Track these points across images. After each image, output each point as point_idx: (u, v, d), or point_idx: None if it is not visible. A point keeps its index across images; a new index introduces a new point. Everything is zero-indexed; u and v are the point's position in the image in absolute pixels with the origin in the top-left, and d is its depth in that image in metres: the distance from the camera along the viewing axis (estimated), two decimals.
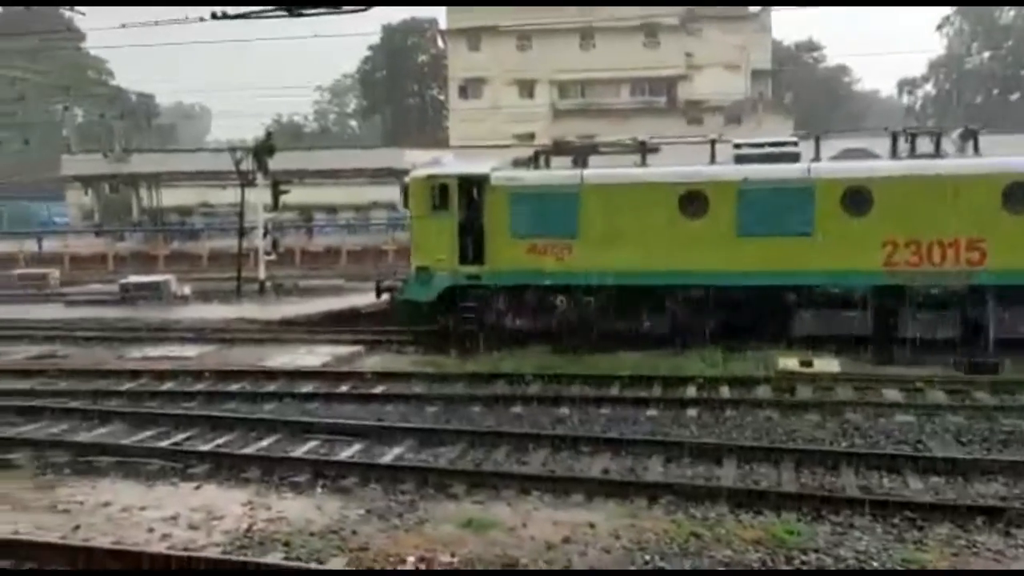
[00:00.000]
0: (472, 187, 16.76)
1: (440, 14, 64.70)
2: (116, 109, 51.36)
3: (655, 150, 17.36)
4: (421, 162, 18.35)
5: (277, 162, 27.16)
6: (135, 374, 15.10)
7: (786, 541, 7.42)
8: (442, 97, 69.83)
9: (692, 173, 15.98)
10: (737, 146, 16.52)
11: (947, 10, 74.82)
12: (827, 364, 14.03)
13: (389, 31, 70.74)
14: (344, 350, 16.64)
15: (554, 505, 8.46)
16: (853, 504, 8.17)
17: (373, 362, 15.88)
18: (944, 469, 9.23)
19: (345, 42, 64.62)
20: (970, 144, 16.07)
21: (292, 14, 15.88)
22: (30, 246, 42.60)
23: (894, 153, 15.69)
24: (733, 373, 13.93)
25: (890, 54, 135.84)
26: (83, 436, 11.29)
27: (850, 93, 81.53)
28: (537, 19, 54.26)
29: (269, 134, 29.06)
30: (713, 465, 9.60)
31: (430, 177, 17.15)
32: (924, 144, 15.81)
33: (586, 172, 16.56)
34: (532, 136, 50.48)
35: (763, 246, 15.27)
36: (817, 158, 15.79)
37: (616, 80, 58.44)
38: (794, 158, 15.84)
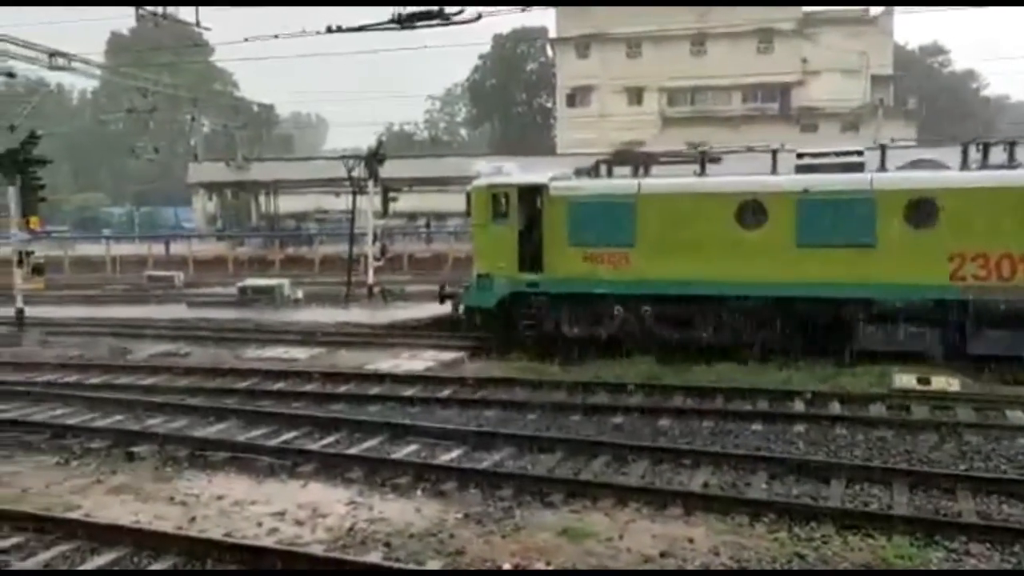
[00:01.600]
0: (531, 196, 16.99)
1: (550, 23, 65.10)
2: (239, 119, 53.68)
3: (716, 160, 17.41)
4: (485, 171, 18.54)
5: (387, 169, 27.87)
6: (250, 373, 15.75)
7: (896, 566, 7.12)
8: (550, 105, 70.07)
9: (750, 183, 15.83)
10: (800, 156, 16.24)
11: None
12: (946, 382, 13.38)
13: (499, 40, 71.55)
14: (447, 355, 16.89)
15: (652, 517, 8.35)
16: (970, 530, 7.78)
17: (475, 367, 16.04)
18: None
19: (457, 51, 65.80)
20: None
21: (404, 26, 16.31)
22: (158, 249, 45.00)
23: (964, 163, 15.22)
24: (844, 389, 13.45)
25: (1022, 58, 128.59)
26: (201, 432, 11.83)
27: (978, 98, 77.60)
28: (647, 26, 53.89)
29: (380, 142, 29.80)
30: (820, 484, 9.28)
31: (491, 186, 17.44)
32: (998, 154, 15.14)
33: (643, 182, 16.62)
34: (640, 144, 50.07)
35: (823, 257, 15.01)
36: (883, 168, 15.41)
37: (727, 87, 57.41)
38: (857, 168, 15.47)
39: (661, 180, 16.82)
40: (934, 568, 7.16)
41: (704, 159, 16.87)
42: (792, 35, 56.42)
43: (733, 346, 15.72)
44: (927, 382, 13.37)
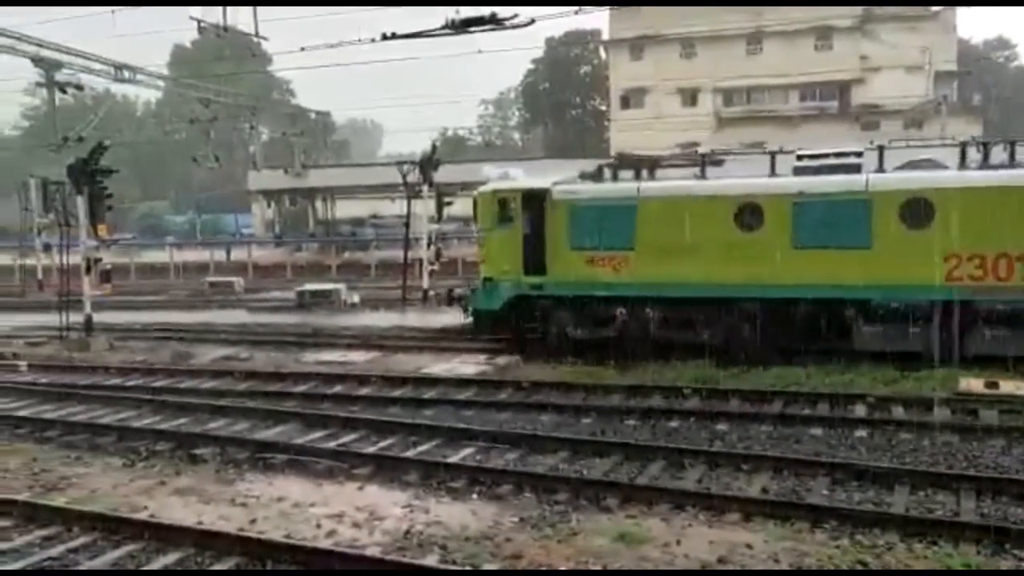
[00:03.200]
0: (535, 201, 17.17)
1: (603, 25, 64.92)
2: (297, 127, 54.61)
3: (718, 163, 17.38)
4: (492, 176, 18.74)
5: (442, 174, 28.06)
6: (308, 377, 16.00)
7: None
8: (604, 108, 69.80)
9: (747, 185, 15.89)
10: (799, 157, 16.22)
11: None
12: (1015, 386, 12.97)
13: (552, 44, 71.53)
14: (502, 359, 16.93)
15: (709, 523, 8.25)
16: None
17: (529, 371, 16.04)
18: None
19: (510, 56, 65.94)
20: None
21: (458, 32, 16.42)
22: (219, 255, 45.97)
23: (963, 163, 15.03)
24: (908, 393, 13.12)
25: None
26: (261, 434, 12.06)
27: None
28: (701, 26, 53.36)
29: (434, 147, 30.01)
30: (883, 490, 9.08)
31: (496, 192, 17.76)
32: (999, 154, 14.96)
33: (643, 185, 16.71)
34: (696, 145, 49.59)
35: (820, 259, 15.04)
36: (881, 169, 15.27)
37: (784, 86, 56.51)
38: (854, 169, 15.38)
39: (660, 183, 16.88)
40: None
41: (704, 162, 16.96)
42: (851, 32, 55.32)
43: (731, 348, 15.78)
44: (995, 386, 12.98)
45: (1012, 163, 14.85)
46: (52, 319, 22.05)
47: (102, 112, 42.92)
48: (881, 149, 15.62)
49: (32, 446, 11.88)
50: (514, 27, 16.50)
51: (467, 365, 16.52)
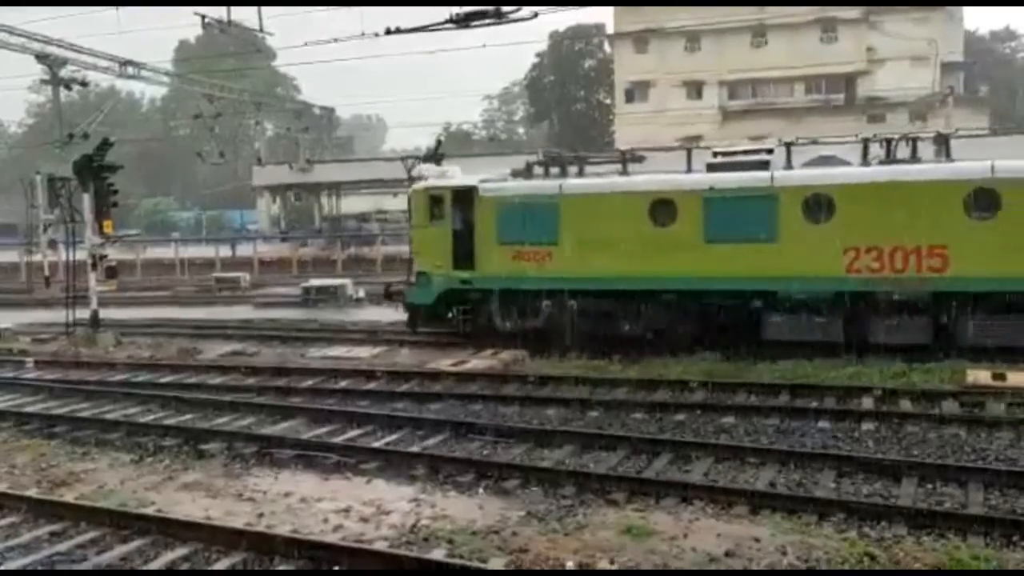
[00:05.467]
0: (464, 198, 17.73)
1: (607, 18, 64.74)
2: (301, 123, 54.62)
3: (639, 159, 18.19)
4: (428, 174, 19.31)
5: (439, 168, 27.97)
6: (314, 372, 16.01)
7: (971, 567, 6.91)
8: (608, 102, 69.65)
9: (661, 182, 16.56)
10: (715, 154, 16.95)
11: None
12: (1022, 377, 12.92)
13: (556, 38, 71.37)
14: (507, 354, 16.91)
15: (717, 516, 8.24)
16: None
17: (536, 366, 16.04)
18: None
19: (515, 50, 65.76)
20: (943, 150, 15.67)
21: (461, 26, 16.39)
22: (225, 251, 46.02)
23: (864, 160, 15.63)
24: (915, 385, 13.09)
25: None
26: (268, 429, 12.08)
27: None
28: (706, 19, 53.18)
29: (439, 142, 29.99)
30: (891, 483, 9.06)
31: (427, 189, 18.36)
32: (903, 150, 15.59)
33: (564, 182, 17.31)
34: (700, 138, 49.50)
35: (730, 252, 15.62)
36: (789, 166, 15.85)
37: (789, 78, 56.35)
38: (763, 166, 15.94)
39: (580, 181, 17.49)
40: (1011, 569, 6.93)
41: (626, 159, 17.58)
42: (856, 24, 55.08)
43: (651, 339, 16.37)
44: (1003, 378, 12.93)
45: (915, 159, 15.42)
46: (59, 315, 22.11)
47: (107, 108, 42.99)
48: (788, 147, 16.21)
49: (40, 442, 11.91)
50: (517, 21, 16.45)
51: (474, 360, 16.50)
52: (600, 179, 17.43)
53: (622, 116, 60.94)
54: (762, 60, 55.91)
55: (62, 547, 7.89)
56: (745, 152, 16.63)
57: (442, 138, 38.06)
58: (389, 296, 20.19)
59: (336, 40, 19.49)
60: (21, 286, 38.95)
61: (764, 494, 8.67)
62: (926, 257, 14.60)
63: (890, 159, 15.60)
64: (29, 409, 13.78)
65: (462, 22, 15.66)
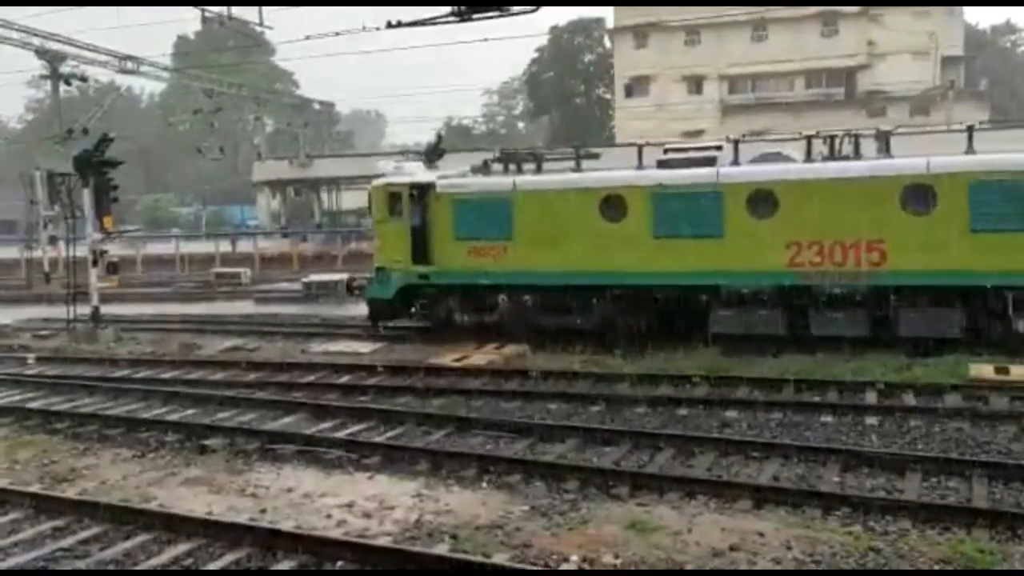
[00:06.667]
0: (422, 194, 18.00)
1: (607, 13, 64.59)
2: (301, 118, 54.51)
3: (595, 156, 18.83)
4: (387, 170, 19.67)
5: (446, 163, 27.92)
6: (316, 367, 15.99)
7: (976, 561, 6.89)
8: (608, 97, 69.53)
9: (611, 178, 16.90)
10: (665, 151, 17.31)
11: None
12: None
13: (556, 32, 71.24)
14: (510, 349, 16.88)
15: (720, 510, 8.23)
16: None
17: (539, 361, 16.02)
18: None
19: (514, 44, 65.62)
20: (883, 146, 15.78)
21: (463, 19, 16.32)
22: (225, 247, 45.95)
23: (808, 157, 15.95)
24: (918, 379, 13.06)
25: None
26: (270, 425, 12.06)
27: None
28: (706, 13, 53.05)
29: (439, 137, 29.90)
30: (895, 477, 9.05)
31: (387, 185, 18.67)
32: (846, 147, 15.91)
33: (518, 179, 17.60)
34: (701, 133, 49.42)
35: (677, 248, 15.94)
36: (736, 163, 16.13)
37: (790, 72, 56.20)
38: (710, 163, 16.25)
39: (533, 177, 17.76)
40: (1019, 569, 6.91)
41: (579, 155, 17.97)
42: (857, 17, 54.96)
43: (604, 332, 16.67)
44: (1005, 371, 12.92)
45: (857, 155, 15.65)
46: (59, 312, 22.09)
47: (107, 104, 42.91)
48: (736, 144, 16.47)
49: (42, 438, 11.89)
50: (518, 13, 16.37)
51: (476, 355, 16.46)
52: (553, 175, 17.77)
53: (622, 111, 60.82)
54: (762, 54, 55.75)
55: (65, 543, 7.87)
56: (696, 149, 17.11)
57: (442, 133, 37.98)
58: (351, 291, 20.57)
59: (337, 34, 19.41)
60: (21, 282, 38.91)
61: (768, 488, 8.65)
62: (865, 251, 14.90)
63: (832, 156, 15.90)
64: (31, 405, 13.76)
65: (464, 15, 15.59)
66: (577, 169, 17.72)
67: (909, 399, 12.22)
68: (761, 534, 7.55)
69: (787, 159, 16.22)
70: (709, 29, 56.46)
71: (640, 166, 16.97)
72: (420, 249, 17.97)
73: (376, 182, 19.24)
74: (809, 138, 16.25)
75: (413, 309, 19.15)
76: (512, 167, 18.33)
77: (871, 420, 11.25)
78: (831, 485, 8.85)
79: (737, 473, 9.39)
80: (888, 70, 54.27)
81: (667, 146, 17.76)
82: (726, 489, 8.64)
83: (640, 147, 17.18)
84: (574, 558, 7.19)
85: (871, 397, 12.38)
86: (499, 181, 17.82)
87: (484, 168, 18.61)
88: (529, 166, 18.27)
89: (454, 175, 18.60)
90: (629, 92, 60.55)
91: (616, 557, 7.19)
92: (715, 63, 56.85)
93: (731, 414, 11.80)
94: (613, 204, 16.43)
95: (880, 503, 8.15)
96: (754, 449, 9.98)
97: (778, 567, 6.96)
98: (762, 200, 15.43)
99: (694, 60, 57.62)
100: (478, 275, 17.52)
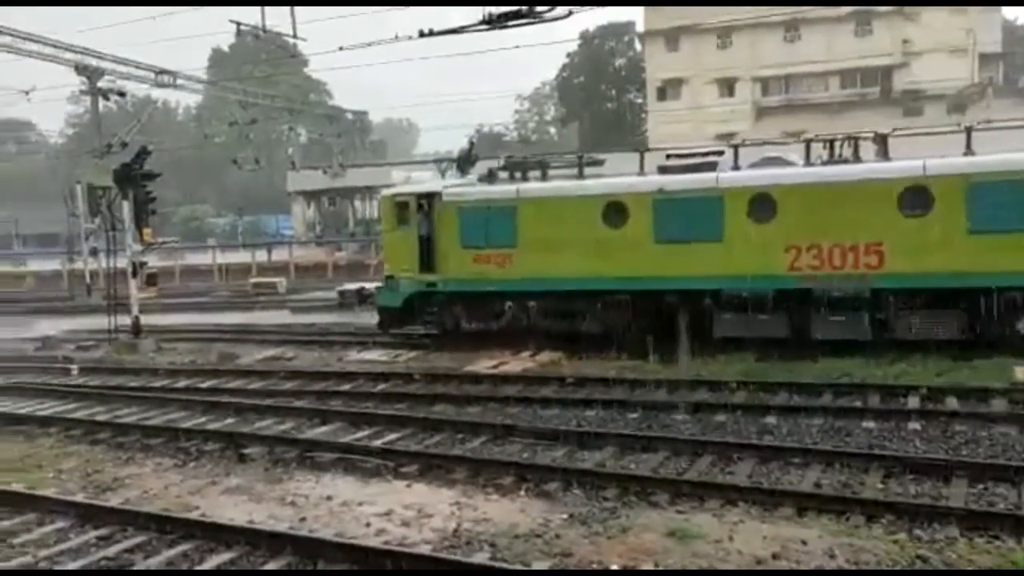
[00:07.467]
0: (429, 203, 18.26)
1: (638, 17, 64.40)
2: (334, 128, 54.96)
3: (599, 163, 19.03)
4: (398, 180, 19.57)
5: (479, 171, 27.97)
6: (352, 376, 16.08)
7: None
8: (640, 101, 69.28)
9: (613, 185, 17.12)
10: (668, 156, 17.61)
11: None
12: None
13: (587, 38, 71.17)
14: (545, 356, 16.86)
15: (762, 518, 8.12)
16: None
17: (573, 367, 15.97)
18: None
19: (545, 51, 65.63)
20: (881, 149, 15.86)
21: (495, 27, 16.36)
22: (261, 256, 46.48)
23: (807, 161, 16.08)
24: (962, 383, 12.82)
25: None
26: (308, 433, 12.13)
27: None
28: (738, 15, 52.70)
29: (471, 144, 29.99)
30: (940, 483, 8.88)
31: (395, 195, 19.15)
32: (846, 150, 15.98)
33: (521, 187, 17.89)
34: (734, 135, 49.04)
35: (678, 252, 16.11)
36: (736, 167, 16.35)
37: (824, 73, 55.62)
38: (711, 168, 16.35)
39: (537, 185, 18.00)
40: None
41: (582, 163, 18.28)
42: (891, 16, 54.24)
43: (608, 336, 16.82)
44: None
45: (857, 159, 15.74)
46: (101, 322, 22.44)
47: (144, 118, 43.58)
48: (736, 148, 16.85)
49: (85, 448, 12.10)
50: (550, 20, 16.37)
51: (512, 362, 16.47)
52: (554, 183, 17.96)
53: (654, 114, 60.58)
54: (796, 55, 55.24)
55: (110, 551, 7.97)
56: (698, 155, 17.12)
57: (474, 140, 38.08)
58: (362, 300, 20.67)
59: (369, 44, 19.57)
60: (64, 294, 39.64)
61: (810, 495, 8.52)
62: (863, 254, 14.93)
63: (832, 159, 15.95)
64: (74, 415, 14.00)
65: (496, 23, 15.63)
66: (579, 176, 17.95)
67: (953, 403, 12.00)
68: (804, 542, 7.44)
69: (787, 163, 16.30)
70: (741, 31, 56.09)
71: (641, 172, 17.25)
72: (428, 257, 18.25)
73: (384, 192, 19.71)
74: (808, 142, 16.42)
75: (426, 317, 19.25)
76: (518, 175, 18.56)
77: (914, 425, 11.06)
78: (874, 492, 8.71)
79: (778, 480, 9.27)
80: (924, 68, 53.47)
81: (668, 152, 17.99)
82: (767, 496, 8.53)
83: (642, 152, 17.45)
84: (614, 567, 7.14)
85: (914, 401, 12.17)
86: (503, 189, 18.04)
87: (490, 177, 18.87)
88: (535, 174, 18.47)
89: (459, 184, 18.92)
90: (661, 95, 60.31)
91: (657, 566, 7.13)
92: (748, 65, 56.45)
93: (770, 420, 11.67)
94: (615, 210, 16.62)
95: (926, 510, 7.98)
96: (795, 455, 9.85)
97: None
98: (761, 204, 15.53)
99: (726, 62, 57.26)
100: (484, 282, 17.75)
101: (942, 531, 7.60)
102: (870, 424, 11.21)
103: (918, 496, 8.57)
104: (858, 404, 12.16)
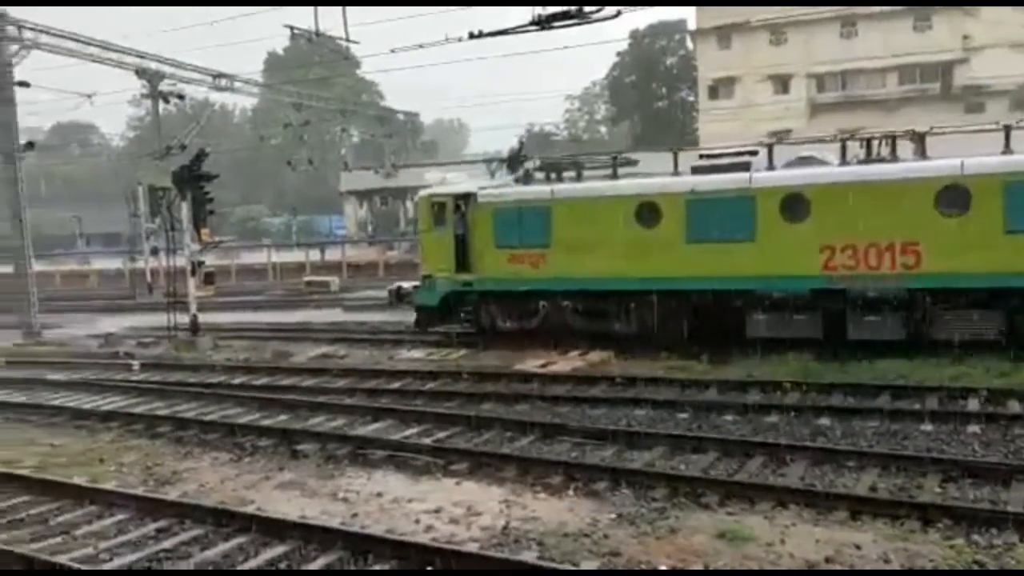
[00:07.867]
0: (464, 204, 18.53)
1: (689, 15, 63.81)
2: (385, 129, 55.50)
3: (633, 163, 19.25)
4: (433, 181, 20.33)
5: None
6: (402, 374, 16.24)
7: None
8: (692, 99, 68.64)
9: (646, 185, 17.20)
10: (700, 156, 17.73)
11: None
12: None
13: (637, 36, 70.74)
14: (595, 355, 16.83)
15: (814, 521, 8.01)
16: None
17: (622, 366, 15.92)
18: None
19: (596, 50, 65.32)
20: (919, 148, 15.66)
21: (544, 27, 16.39)
22: (315, 255, 47.15)
23: (843, 160, 15.92)
24: (1022, 385, 12.48)
25: None
26: (360, 430, 12.30)
27: None
28: (792, 11, 51.91)
29: (521, 144, 30.04)
30: (999, 487, 8.66)
31: (431, 196, 19.44)
32: (883, 148, 15.82)
33: (555, 187, 17.98)
34: (788, 133, 48.31)
35: (710, 252, 16.06)
36: (770, 167, 16.30)
37: (881, 69, 54.46)
38: (744, 168, 16.24)
39: (570, 185, 18.04)
40: None
41: (616, 163, 18.39)
42: (951, 11, 52.89)
43: (643, 336, 16.98)
44: None
45: (894, 157, 15.53)
46: (161, 320, 23.00)
47: (203, 120, 44.50)
48: (770, 148, 16.75)
49: (145, 442, 12.43)
50: (599, 20, 16.33)
51: (561, 361, 16.49)
52: (588, 183, 18.00)
53: (706, 113, 59.95)
54: (852, 51, 54.18)
55: (167, 544, 8.18)
56: (731, 154, 17.04)
57: (524, 139, 38.12)
58: (400, 299, 21.03)
59: (420, 46, 19.73)
60: (125, 292, 40.71)
61: (865, 499, 8.38)
62: (900, 254, 14.79)
63: (868, 158, 15.77)
64: (135, 410, 14.38)
65: (545, 23, 15.66)
66: (613, 176, 17.98)
67: (1014, 406, 11.70)
68: (858, 546, 7.33)
69: (821, 163, 16.15)
70: (795, 27, 55.20)
71: (675, 172, 17.24)
72: (463, 257, 18.55)
73: (421, 193, 20.03)
74: (843, 140, 16.30)
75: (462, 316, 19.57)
76: (553, 176, 18.64)
77: (973, 428, 10.81)
78: (931, 496, 8.53)
79: (832, 483, 9.14)
80: (985, 64, 52.01)
81: (702, 152, 18.08)
82: (820, 499, 8.40)
83: (676, 152, 17.62)
84: (663, 567, 7.12)
85: (973, 404, 11.90)
86: (537, 190, 18.21)
87: (526, 177, 19.09)
88: (569, 174, 18.51)
89: (495, 185, 19.11)
90: (713, 94, 59.65)
91: (706, 567, 7.08)
92: (802, 61, 55.51)
93: (824, 422, 11.50)
94: (648, 210, 16.67)
95: (985, 515, 7.80)
96: (849, 458, 9.70)
97: None
98: (795, 204, 15.44)
99: (780, 59, 56.35)
100: (518, 282, 17.99)
101: (1000, 536, 7.43)
102: (928, 427, 10.98)
103: (976, 500, 8.38)
104: (916, 407, 11.91)
